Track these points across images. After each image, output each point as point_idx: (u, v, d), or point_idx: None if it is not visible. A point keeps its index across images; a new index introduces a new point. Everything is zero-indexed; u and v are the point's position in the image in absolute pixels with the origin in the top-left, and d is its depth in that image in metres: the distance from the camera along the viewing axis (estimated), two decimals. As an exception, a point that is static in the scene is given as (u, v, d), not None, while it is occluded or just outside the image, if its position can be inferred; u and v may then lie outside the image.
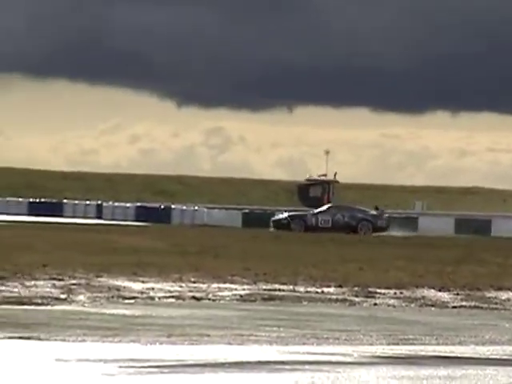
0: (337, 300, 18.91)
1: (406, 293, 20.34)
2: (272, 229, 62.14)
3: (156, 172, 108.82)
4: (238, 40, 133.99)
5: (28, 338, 11.95)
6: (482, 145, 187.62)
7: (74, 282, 19.23)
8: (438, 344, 13.46)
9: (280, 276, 22.11)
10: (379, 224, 61.99)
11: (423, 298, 19.80)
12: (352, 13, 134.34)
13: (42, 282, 19.00)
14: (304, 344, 13.16)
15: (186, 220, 68.05)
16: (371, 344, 13.34)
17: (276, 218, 63.42)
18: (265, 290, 19.97)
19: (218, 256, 29.78)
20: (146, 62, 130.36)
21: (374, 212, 62.64)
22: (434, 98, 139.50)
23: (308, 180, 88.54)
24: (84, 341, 12.09)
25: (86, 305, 16.46)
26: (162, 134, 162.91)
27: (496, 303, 19.52)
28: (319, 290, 20.13)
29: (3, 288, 17.66)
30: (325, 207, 63.43)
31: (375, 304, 18.72)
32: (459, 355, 12.14)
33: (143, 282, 19.84)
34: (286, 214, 62.73)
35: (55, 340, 12.01)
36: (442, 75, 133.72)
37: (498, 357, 12.03)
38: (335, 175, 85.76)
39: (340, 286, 20.53)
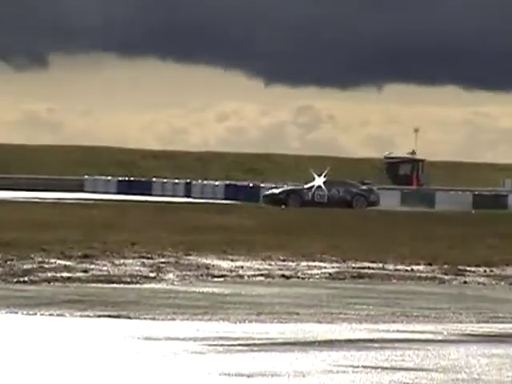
0: (426, 278, 18.81)
1: (496, 271, 20.18)
2: (263, 204, 62.42)
3: (245, 150, 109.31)
4: (325, 19, 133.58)
5: (117, 317, 12.12)
6: None
7: (163, 260, 19.44)
8: (528, 322, 13.38)
9: (369, 254, 22.04)
10: (372, 199, 61.88)
11: (514, 276, 19.67)
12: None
13: (131, 261, 19.25)
14: (393, 322, 13.07)
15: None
16: (461, 322, 13.31)
17: (269, 192, 63.18)
18: (354, 268, 19.90)
19: (307, 234, 29.76)
20: (234, 40, 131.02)
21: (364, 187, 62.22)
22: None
23: (387, 157, 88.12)
24: (173, 319, 12.23)
25: (175, 283, 16.63)
26: (251, 113, 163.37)
27: None
28: (408, 268, 20.02)
29: (92, 266, 17.92)
30: (320, 182, 61.97)
31: (465, 282, 18.58)
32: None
33: (232, 260, 19.98)
34: (280, 189, 62.56)
35: (145, 318, 12.16)
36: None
37: None
38: (413, 153, 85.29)
39: (430, 264, 20.44)
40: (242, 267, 18.91)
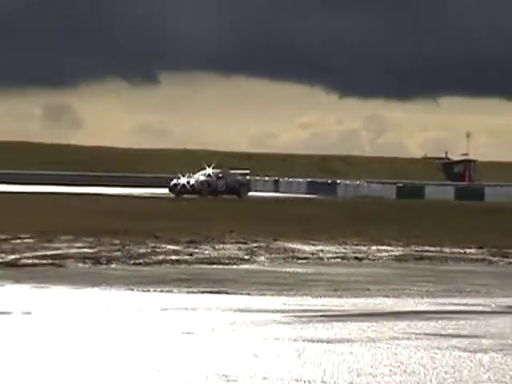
0: (477, 260, 18.34)
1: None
2: (171, 193, 55.88)
3: (323, 153, 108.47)
4: (388, 38, 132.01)
5: (218, 293, 12.15)
6: None
7: (255, 245, 19.39)
8: None
9: (429, 240, 21.73)
10: (249, 188, 58.51)
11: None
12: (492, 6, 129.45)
13: (229, 246, 19.23)
14: (449, 297, 12.83)
15: (349, 193, 67.53)
16: (507, 296, 13.09)
17: (176, 182, 55.15)
18: (416, 251, 19.57)
19: (376, 222, 29.40)
20: (314, 60, 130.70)
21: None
22: None
23: (444, 158, 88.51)
24: (264, 294, 12.21)
25: (266, 264, 16.59)
26: (328, 122, 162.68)
27: None
28: (462, 251, 19.61)
29: (197, 250, 17.97)
30: (213, 172, 56.61)
31: (510, 263, 18.26)
32: None
33: (314, 245, 19.83)
34: (189, 179, 54.79)
35: (240, 294, 12.18)
36: None
37: None
38: (465, 155, 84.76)
39: (480, 248, 20.00)
40: (322, 251, 18.76)
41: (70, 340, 8.06)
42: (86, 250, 17.38)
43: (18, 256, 15.94)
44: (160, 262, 16.13)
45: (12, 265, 15.05)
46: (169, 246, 18.45)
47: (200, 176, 55.76)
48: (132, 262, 16.07)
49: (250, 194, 57.60)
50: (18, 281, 12.82)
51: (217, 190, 54.99)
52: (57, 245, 18.26)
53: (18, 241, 18.79)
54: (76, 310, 10.32)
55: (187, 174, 55.22)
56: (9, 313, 9.77)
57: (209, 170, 56.14)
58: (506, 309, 11.46)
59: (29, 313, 9.69)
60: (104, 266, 15.40)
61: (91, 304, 10.95)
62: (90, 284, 12.76)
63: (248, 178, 62.21)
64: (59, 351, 7.42)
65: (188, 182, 54.63)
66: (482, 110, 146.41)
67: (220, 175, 56.01)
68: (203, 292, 12.19)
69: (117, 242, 19.09)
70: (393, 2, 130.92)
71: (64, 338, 8.15)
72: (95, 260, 15.84)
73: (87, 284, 12.77)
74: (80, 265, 15.32)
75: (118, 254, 16.96)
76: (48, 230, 20.76)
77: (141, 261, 16.15)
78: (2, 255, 16.05)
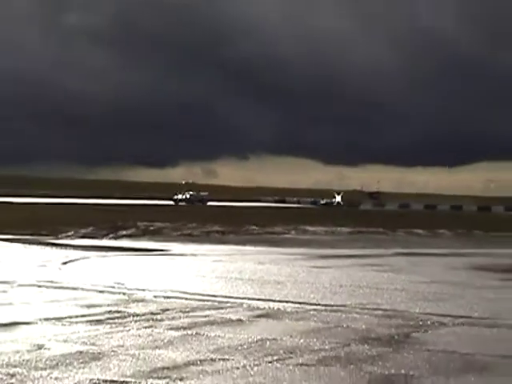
0: (378, 232, 36.17)
1: None
2: (173, 202, 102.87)
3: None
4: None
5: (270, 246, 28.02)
6: None
7: (230, 228, 39.30)
8: None
9: (362, 224, 39.14)
10: (208, 201, 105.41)
11: None
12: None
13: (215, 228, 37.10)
14: (369, 248, 27.92)
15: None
16: (392, 248, 28.04)
17: (176, 197, 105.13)
18: (359, 231, 36.31)
19: (340, 218, 50.88)
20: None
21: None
22: None
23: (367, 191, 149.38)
24: (291, 247, 27.52)
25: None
26: None
27: None
28: (375, 230, 37.18)
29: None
30: (191, 193, 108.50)
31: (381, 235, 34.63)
32: None
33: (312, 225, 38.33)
34: (181, 196, 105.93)
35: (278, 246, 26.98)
36: None
37: None
38: (362, 188, 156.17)
39: (382, 227, 38.30)
40: (314, 230, 34.75)
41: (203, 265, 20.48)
42: (218, 228, 34.53)
43: (189, 232, 32.87)
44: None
45: (189, 235, 31.84)
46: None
47: (186, 194, 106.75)
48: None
49: (209, 203, 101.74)
50: (193, 242, 28.10)
51: (194, 201, 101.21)
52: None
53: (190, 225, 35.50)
54: (207, 253, 23.96)
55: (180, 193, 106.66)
56: (184, 255, 23.01)
57: (190, 192, 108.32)
58: (394, 255, 24.52)
59: (194, 255, 23.01)
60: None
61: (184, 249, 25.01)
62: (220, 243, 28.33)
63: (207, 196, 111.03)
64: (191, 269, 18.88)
65: (181, 198, 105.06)
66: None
67: (195, 194, 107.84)
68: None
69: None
70: None
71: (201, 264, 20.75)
72: (221, 233, 32.90)
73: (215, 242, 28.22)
74: (217, 235, 31.33)
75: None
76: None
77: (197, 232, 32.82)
78: (183, 232, 32.84)
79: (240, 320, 10.03)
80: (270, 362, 7.10)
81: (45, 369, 6.54)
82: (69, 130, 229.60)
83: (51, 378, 6.22)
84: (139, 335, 8.55)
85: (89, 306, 10.93)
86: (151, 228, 33.37)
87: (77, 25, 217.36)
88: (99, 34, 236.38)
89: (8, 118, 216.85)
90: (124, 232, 31.21)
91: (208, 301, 11.85)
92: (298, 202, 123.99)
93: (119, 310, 10.62)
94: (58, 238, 27.95)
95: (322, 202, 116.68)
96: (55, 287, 13.20)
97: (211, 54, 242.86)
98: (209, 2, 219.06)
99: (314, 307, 11.50)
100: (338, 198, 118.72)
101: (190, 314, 10.41)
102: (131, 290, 12.96)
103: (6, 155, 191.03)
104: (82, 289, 13.03)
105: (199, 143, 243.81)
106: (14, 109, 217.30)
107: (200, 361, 7.14)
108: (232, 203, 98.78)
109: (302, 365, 7.08)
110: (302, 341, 8.47)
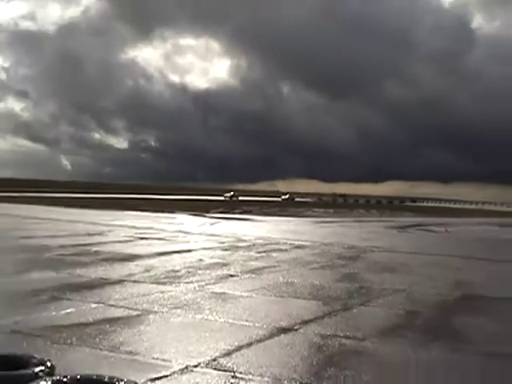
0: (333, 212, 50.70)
1: None
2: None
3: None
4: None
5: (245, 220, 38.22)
6: None
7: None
8: None
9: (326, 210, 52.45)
10: None
11: None
12: None
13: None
14: (352, 217, 42.70)
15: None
16: (375, 219, 45.38)
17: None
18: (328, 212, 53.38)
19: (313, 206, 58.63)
20: None
21: None
22: None
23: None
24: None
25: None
26: None
27: None
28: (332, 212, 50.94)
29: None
30: None
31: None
32: None
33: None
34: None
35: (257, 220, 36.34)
36: None
37: None
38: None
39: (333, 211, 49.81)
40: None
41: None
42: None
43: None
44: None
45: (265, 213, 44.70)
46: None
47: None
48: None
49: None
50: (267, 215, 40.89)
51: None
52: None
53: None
54: (271, 220, 33.47)
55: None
56: (263, 221, 32.41)
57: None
58: (352, 221, 34.61)
59: (266, 221, 32.24)
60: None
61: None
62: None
63: None
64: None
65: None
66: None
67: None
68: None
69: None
70: None
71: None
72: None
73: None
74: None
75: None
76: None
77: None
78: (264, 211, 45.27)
79: (286, 249, 20.16)
80: (298, 267, 15.91)
81: (203, 269, 15.08)
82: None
83: (206, 273, 14.77)
84: (243, 255, 17.92)
85: (221, 242, 21.61)
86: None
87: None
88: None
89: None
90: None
91: (272, 241, 23.16)
92: None
93: (235, 244, 21.09)
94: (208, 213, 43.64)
95: None
96: (206, 234, 25.65)
97: None
98: None
99: (318, 243, 22.49)
100: None
101: (265, 246, 20.80)
102: (239, 235, 25.17)
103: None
104: (218, 235, 24.69)
105: None
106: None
107: (269, 266, 15.88)
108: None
109: (312, 268, 15.86)
110: (312, 258, 18.01)
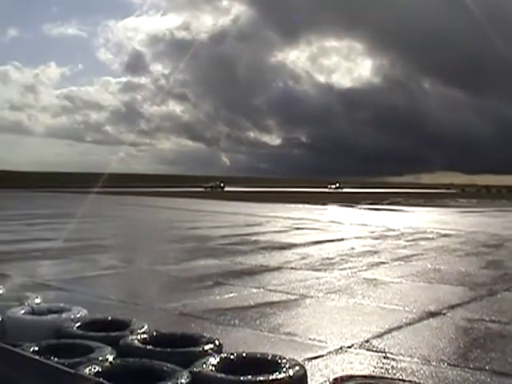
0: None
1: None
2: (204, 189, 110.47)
3: None
4: None
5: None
6: None
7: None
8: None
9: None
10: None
11: None
12: None
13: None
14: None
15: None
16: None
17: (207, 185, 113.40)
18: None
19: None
20: None
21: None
22: None
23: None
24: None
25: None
26: None
27: None
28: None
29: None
30: (215, 182, 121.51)
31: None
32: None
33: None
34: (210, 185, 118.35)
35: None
36: None
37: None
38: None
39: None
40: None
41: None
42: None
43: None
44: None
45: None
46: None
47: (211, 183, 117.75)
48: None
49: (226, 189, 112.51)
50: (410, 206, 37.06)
51: (216, 188, 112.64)
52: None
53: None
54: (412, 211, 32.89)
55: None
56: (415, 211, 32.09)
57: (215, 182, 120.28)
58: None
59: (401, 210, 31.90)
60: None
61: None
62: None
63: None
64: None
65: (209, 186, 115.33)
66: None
67: (217, 183, 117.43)
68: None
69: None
70: None
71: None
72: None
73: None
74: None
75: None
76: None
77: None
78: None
79: (433, 238, 19.76)
80: (445, 255, 15.56)
81: (355, 257, 14.99)
82: None
83: (358, 260, 14.61)
84: (392, 243, 17.90)
85: (371, 232, 21.64)
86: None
87: None
88: None
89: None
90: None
91: (419, 230, 23.05)
92: None
93: (384, 233, 21.08)
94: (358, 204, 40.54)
95: None
96: (357, 224, 25.49)
97: None
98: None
99: (463, 232, 21.70)
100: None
101: (413, 235, 20.65)
102: (388, 225, 25.19)
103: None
104: (368, 225, 25.21)
105: None
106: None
107: (417, 254, 15.65)
108: None
109: (458, 256, 15.46)
110: (458, 246, 17.51)
